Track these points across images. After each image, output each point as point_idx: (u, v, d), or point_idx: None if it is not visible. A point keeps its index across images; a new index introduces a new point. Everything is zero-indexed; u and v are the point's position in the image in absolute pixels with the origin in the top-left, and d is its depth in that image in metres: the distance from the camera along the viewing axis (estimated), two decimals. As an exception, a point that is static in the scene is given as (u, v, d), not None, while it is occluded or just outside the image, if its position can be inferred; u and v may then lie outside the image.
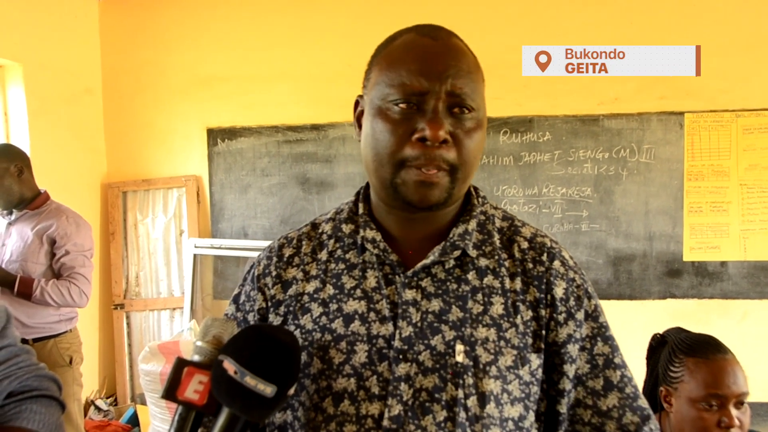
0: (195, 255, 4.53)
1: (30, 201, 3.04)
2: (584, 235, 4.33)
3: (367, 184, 1.07)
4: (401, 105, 0.91)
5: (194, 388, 0.83)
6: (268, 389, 0.81)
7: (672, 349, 1.63)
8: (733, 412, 1.50)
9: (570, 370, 0.97)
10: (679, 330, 1.71)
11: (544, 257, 1.01)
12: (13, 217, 3.05)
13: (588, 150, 4.30)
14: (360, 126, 1.01)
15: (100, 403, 4.33)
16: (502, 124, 4.32)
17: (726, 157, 4.20)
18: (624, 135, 4.27)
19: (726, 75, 4.16)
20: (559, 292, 0.98)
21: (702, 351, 1.57)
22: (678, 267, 4.27)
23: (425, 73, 0.90)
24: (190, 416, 0.84)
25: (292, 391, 0.87)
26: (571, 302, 0.98)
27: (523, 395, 0.94)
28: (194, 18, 4.55)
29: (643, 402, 0.99)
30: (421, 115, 0.90)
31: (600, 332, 0.99)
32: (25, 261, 2.94)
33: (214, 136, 4.57)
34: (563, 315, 0.97)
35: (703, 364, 1.54)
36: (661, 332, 1.73)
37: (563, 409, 0.97)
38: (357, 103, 1.03)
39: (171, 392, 0.84)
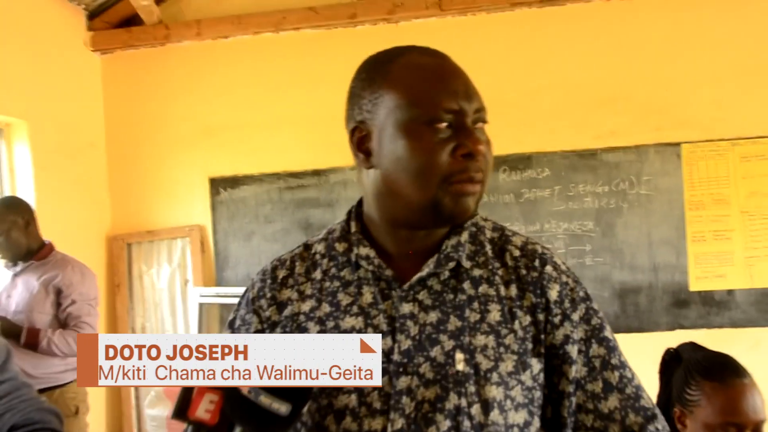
0: (200, 304, 4.51)
1: (35, 252, 3.07)
2: (589, 269, 4.31)
3: (359, 203, 1.08)
4: (437, 125, 0.92)
5: (205, 408, 0.83)
6: (282, 408, 0.81)
7: (688, 369, 1.59)
8: None
9: (570, 371, 0.97)
10: (694, 347, 1.67)
11: (537, 263, 1.02)
12: (18, 268, 3.07)
13: (587, 184, 4.31)
14: (364, 152, 0.98)
15: (107, 456, 4.28)
16: (502, 162, 4.34)
17: (725, 186, 4.21)
18: (622, 168, 4.28)
19: (720, 104, 4.18)
20: (553, 295, 0.99)
21: (720, 375, 1.53)
22: (685, 297, 4.23)
23: (456, 93, 0.93)
24: None
25: (306, 408, 0.87)
26: (566, 304, 1.00)
27: (526, 401, 0.95)
28: (193, 69, 4.63)
29: (646, 402, 0.99)
30: (456, 132, 0.93)
31: (594, 334, 1.00)
32: (31, 311, 2.95)
33: (217, 185, 4.61)
34: (558, 317, 0.99)
35: (721, 390, 1.51)
36: (674, 347, 1.71)
37: (566, 413, 0.98)
38: (355, 129, 0.99)
39: (182, 412, 0.83)
